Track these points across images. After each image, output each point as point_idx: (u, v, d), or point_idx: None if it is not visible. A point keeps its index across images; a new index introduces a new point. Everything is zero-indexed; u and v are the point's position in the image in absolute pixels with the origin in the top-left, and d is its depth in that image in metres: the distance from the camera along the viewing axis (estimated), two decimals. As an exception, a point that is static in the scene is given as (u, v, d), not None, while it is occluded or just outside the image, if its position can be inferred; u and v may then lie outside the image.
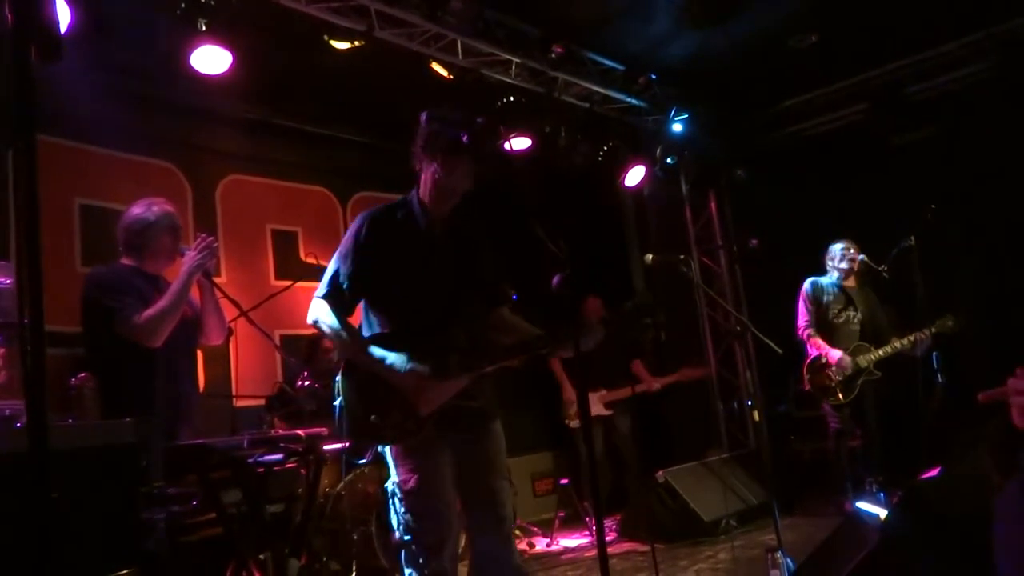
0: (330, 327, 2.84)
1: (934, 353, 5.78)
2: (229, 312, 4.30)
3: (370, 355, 2.78)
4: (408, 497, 2.73)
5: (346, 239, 2.89)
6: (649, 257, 5.31)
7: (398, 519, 2.77)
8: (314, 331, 5.89)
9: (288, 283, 5.69)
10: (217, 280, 6.25)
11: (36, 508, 1.32)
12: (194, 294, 3.78)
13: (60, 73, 4.37)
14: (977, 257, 6.86)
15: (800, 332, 6.02)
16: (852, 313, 6.03)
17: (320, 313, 2.86)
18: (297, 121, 6.83)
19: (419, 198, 2.93)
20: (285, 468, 3.72)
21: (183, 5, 4.68)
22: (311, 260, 5.28)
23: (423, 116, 2.83)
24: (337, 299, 2.86)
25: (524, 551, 6.08)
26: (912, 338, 5.79)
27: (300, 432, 3.64)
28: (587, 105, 7.02)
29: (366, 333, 2.90)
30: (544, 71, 6.42)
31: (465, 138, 2.74)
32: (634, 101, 7.30)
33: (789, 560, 3.92)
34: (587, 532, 6.34)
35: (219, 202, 6.48)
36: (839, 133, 7.73)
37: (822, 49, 6.79)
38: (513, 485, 3.24)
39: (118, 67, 5.42)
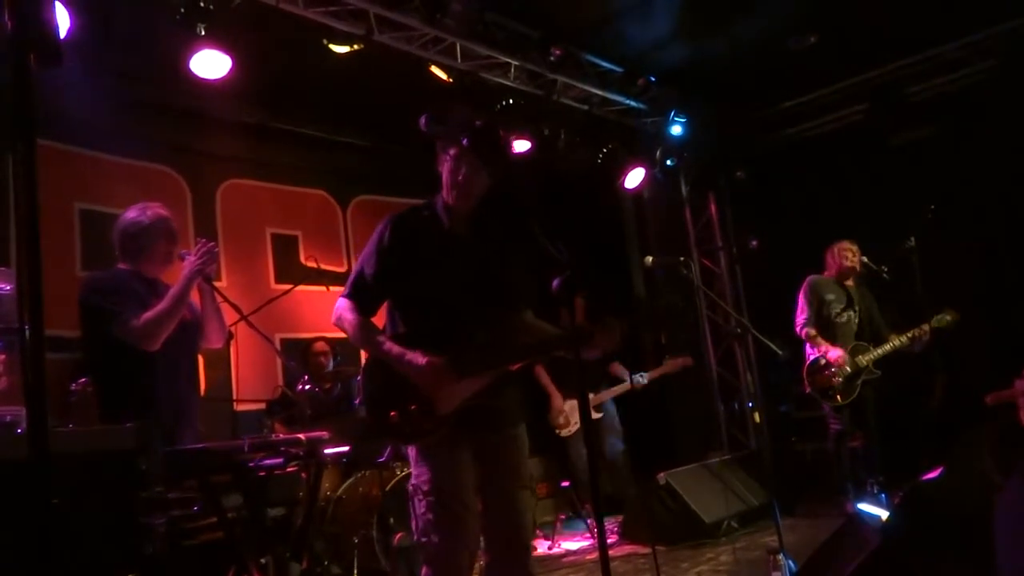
0: (353, 327, 2.85)
1: (935, 353, 5.79)
2: (229, 316, 4.30)
3: (390, 352, 2.78)
4: (428, 497, 2.72)
5: (371, 240, 2.91)
6: (649, 259, 5.31)
7: (417, 520, 2.76)
8: (313, 335, 5.94)
9: (288, 287, 5.69)
10: (217, 284, 6.26)
11: (37, 513, 1.32)
12: (194, 298, 3.78)
13: (60, 78, 4.39)
14: (977, 257, 6.86)
15: (798, 329, 6.01)
16: (852, 313, 6.03)
17: (344, 313, 2.87)
18: (296, 125, 6.83)
19: (442, 199, 2.94)
20: (286, 472, 3.71)
21: (182, 10, 4.69)
22: (311, 263, 5.30)
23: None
24: (361, 299, 2.88)
25: (532, 556, 6.07)
26: (911, 334, 5.79)
27: (301, 436, 3.63)
28: (586, 107, 7.03)
29: (390, 333, 2.91)
30: (543, 73, 6.43)
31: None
32: (633, 103, 7.30)
33: (791, 562, 3.92)
34: (588, 535, 6.33)
35: (219, 206, 6.49)
36: (839, 134, 7.73)
37: (821, 50, 6.79)
38: (535, 494, 3.24)
39: (118, 72, 5.43)
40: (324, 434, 3.75)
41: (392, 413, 2.77)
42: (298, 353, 5.81)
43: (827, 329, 5.97)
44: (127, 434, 2.55)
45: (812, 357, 5.96)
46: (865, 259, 6.05)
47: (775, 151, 7.96)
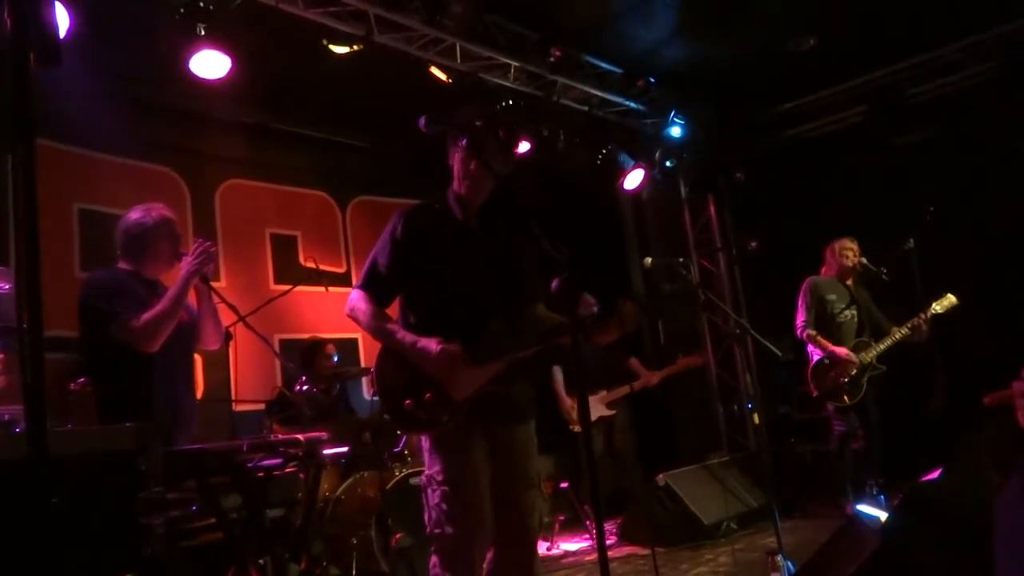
0: (365, 315, 2.86)
1: (935, 354, 5.79)
2: (228, 317, 4.30)
3: (403, 340, 2.79)
4: (441, 488, 2.72)
5: (384, 235, 2.92)
6: (648, 260, 5.31)
7: (430, 511, 2.76)
8: (313, 335, 5.93)
9: (287, 287, 5.68)
10: (216, 284, 6.27)
11: (35, 513, 1.32)
12: (191, 299, 3.77)
13: (59, 78, 4.38)
14: (976, 259, 6.86)
15: (799, 332, 5.99)
16: (853, 311, 6.03)
17: (358, 303, 2.88)
18: (296, 125, 6.84)
19: (454, 193, 2.95)
20: (285, 473, 3.71)
21: (182, 10, 4.69)
22: (310, 264, 5.30)
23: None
24: (375, 290, 2.89)
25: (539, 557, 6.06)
26: (911, 324, 5.79)
27: (299, 436, 3.63)
28: (586, 108, 7.03)
29: (403, 325, 2.91)
30: (543, 75, 6.43)
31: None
32: (633, 104, 7.30)
33: (790, 563, 3.92)
34: (587, 536, 6.33)
35: (218, 206, 6.49)
36: (838, 135, 7.74)
37: (821, 51, 6.80)
38: (543, 492, 3.24)
39: (117, 72, 5.43)
40: (323, 435, 3.75)
41: (407, 402, 2.77)
42: (304, 353, 5.81)
43: (829, 329, 5.96)
44: (126, 434, 2.54)
45: (816, 358, 5.95)
46: (864, 260, 6.04)
47: (774, 152, 7.96)
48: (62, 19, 4.06)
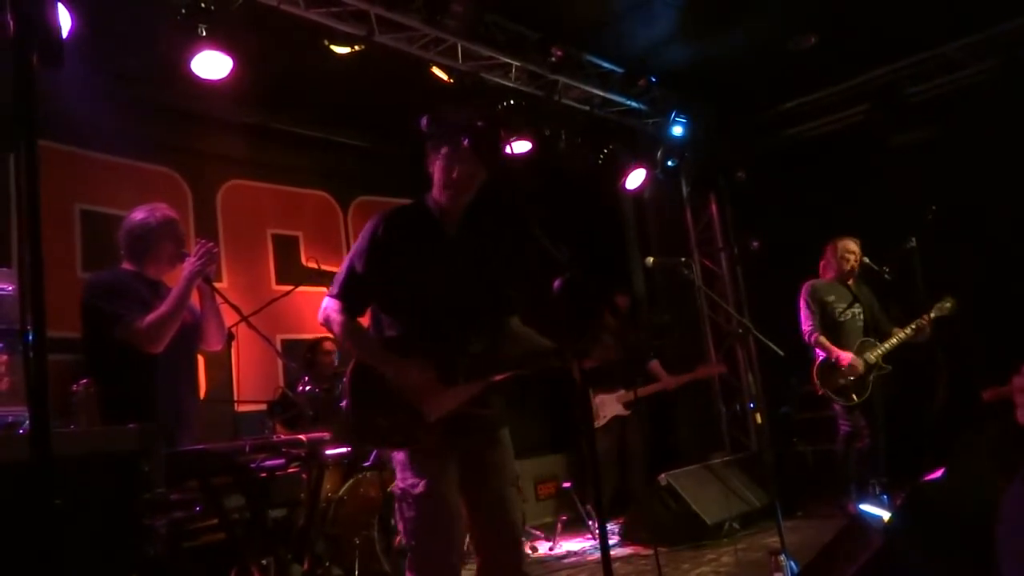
0: (340, 327, 2.82)
1: (938, 353, 5.79)
2: (230, 317, 4.29)
3: (379, 357, 2.77)
4: (415, 502, 2.70)
5: (360, 239, 2.87)
6: (650, 260, 5.31)
7: (404, 524, 2.74)
8: (315, 335, 5.93)
9: (289, 287, 5.68)
10: (218, 285, 6.26)
11: (39, 514, 1.32)
12: (194, 300, 3.77)
13: (61, 78, 4.38)
14: (978, 258, 6.85)
15: (807, 337, 5.98)
16: (856, 310, 6.03)
17: (332, 314, 2.83)
18: (297, 126, 6.84)
19: (433, 199, 2.91)
20: (287, 473, 3.71)
21: (184, 10, 4.69)
22: (312, 264, 5.28)
23: (423, 120, 2.83)
24: (349, 299, 2.84)
25: (526, 555, 6.07)
26: (914, 326, 5.80)
27: (302, 437, 3.63)
28: (587, 108, 7.03)
29: (377, 337, 2.89)
30: (544, 74, 6.43)
31: (466, 141, 2.73)
32: (634, 104, 7.30)
33: (792, 563, 3.91)
34: (590, 536, 6.33)
35: (220, 207, 6.49)
36: (839, 135, 7.73)
37: (822, 51, 6.79)
38: (521, 491, 3.23)
39: (119, 72, 5.43)
40: (325, 435, 3.75)
41: (380, 419, 2.76)
42: (304, 352, 5.80)
43: (833, 330, 5.96)
44: (129, 435, 2.55)
45: (822, 357, 5.95)
46: (866, 259, 6.04)
47: (775, 152, 7.96)
48: (64, 20, 4.06)
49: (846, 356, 5.81)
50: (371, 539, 4.62)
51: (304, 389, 5.19)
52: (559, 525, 6.49)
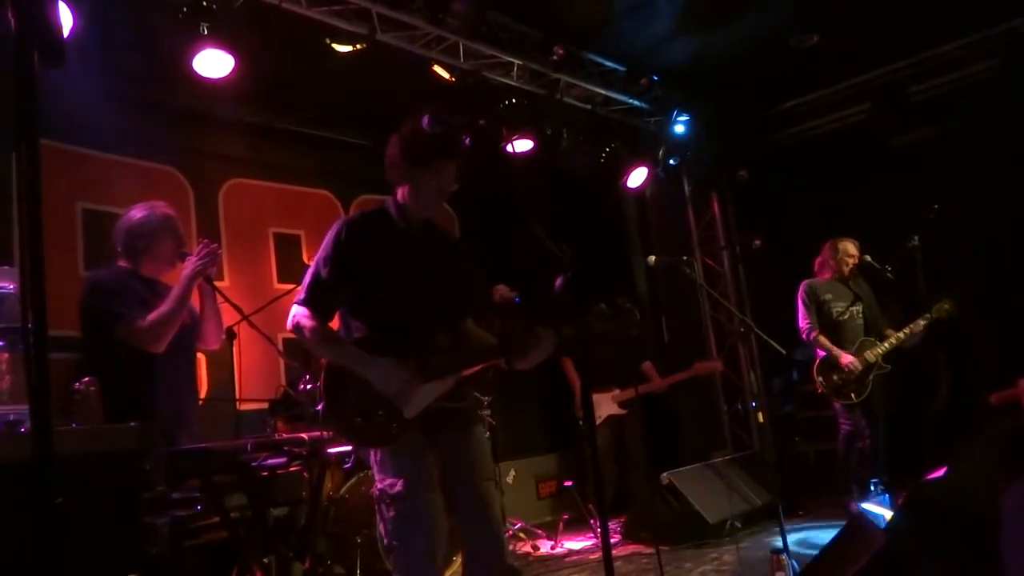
0: (312, 333, 2.82)
1: (939, 353, 5.79)
2: (232, 316, 4.29)
3: (354, 359, 2.78)
4: (396, 502, 2.71)
5: (325, 245, 2.89)
6: (652, 258, 5.30)
7: (385, 525, 2.75)
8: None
9: (291, 286, 5.67)
10: (219, 284, 6.24)
11: (40, 513, 1.32)
12: (194, 299, 3.76)
13: (63, 77, 4.38)
14: (980, 257, 6.85)
15: (805, 335, 6.00)
16: (856, 308, 6.03)
17: (302, 320, 2.84)
18: (299, 124, 6.83)
19: (397, 204, 2.95)
20: (289, 472, 3.71)
21: (185, 9, 4.69)
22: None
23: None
24: (317, 305, 2.85)
25: (528, 554, 6.07)
26: (907, 330, 5.81)
27: (304, 435, 3.64)
28: (589, 107, 7.03)
29: (347, 340, 2.90)
30: (546, 73, 6.43)
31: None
32: (636, 102, 7.30)
33: (794, 562, 3.91)
34: (591, 534, 6.33)
35: (221, 206, 6.49)
36: (841, 134, 7.73)
37: (823, 50, 6.79)
38: (499, 485, 3.25)
39: (120, 71, 5.42)
40: (327, 433, 3.75)
41: (357, 419, 2.76)
42: (304, 351, 5.80)
43: (832, 329, 5.96)
44: (131, 434, 2.55)
45: (822, 356, 5.95)
46: (868, 258, 6.04)
47: (777, 151, 7.96)
48: (66, 19, 4.06)
49: (845, 356, 5.82)
50: (373, 538, 4.61)
51: (305, 388, 5.18)
52: (561, 524, 6.49)
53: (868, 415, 5.91)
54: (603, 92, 6.96)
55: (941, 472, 3.14)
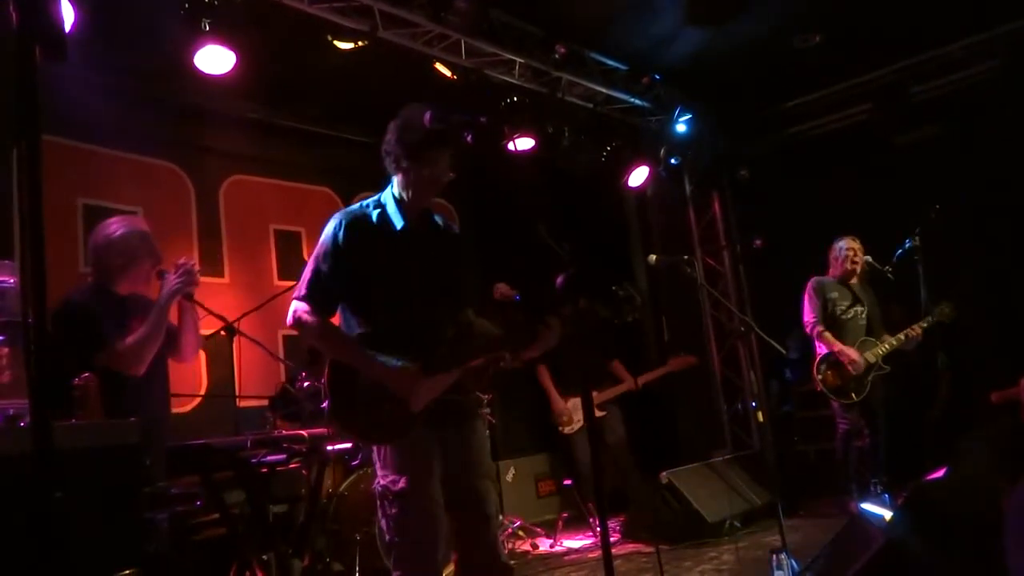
0: (312, 328, 2.81)
1: (940, 353, 5.79)
2: (232, 313, 4.29)
3: (357, 354, 2.77)
4: (398, 498, 2.70)
5: (323, 240, 2.87)
6: (652, 257, 5.30)
7: (387, 521, 2.74)
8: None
9: (291, 283, 5.64)
10: (220, 280, 6.30)
11: (40, 507, 1.32)
12: (172, 313, 3.68)
13: (64, 73, 4.39)
14: (981, 257, 6.84)
15: (808, 329, 6.01)
16: (859, 309, 6.03)
17: (303, 315, 2.82)
18: (300, 121, 6.83)
19: (394, 196, 2.94)
20: (288, 468, 3.71)
21: (187, 5, 4.68)
22: (314, 260, 5.29)
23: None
24: (318, 300, 2.83)
25: (528, 552, 6.08)
26: (903, 334, 5.81)
27: (303, 432, 3.64)
28: (591, 105, 7.02)
29: (348, 335, 2.89)
30: (547, 71, 6.42)
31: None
32: (638, 101, 7.29)
33: (794, 561, 3.91)
34: (591, 533, 6.33)
35: (222, 202, 6.49)
36: (843, 133, 7.72)
37: (826, 49, 6.78)
38: (496, 485, 3.24)
39: (122, 67, 5.42)
40: (326, 430, 3.75)
41: (363, 416, 2.76)
42: (310, 349, 5.80)
43: (834, 327, 5.97)
44: (130, 429, 2.55)
45: (823, 353, 5.95)
46: (869, 258, 6.04)
47: (779, 150, 7.95)
48: (67, 14, 4.05)
49: (849, 351, 5.82)
50: (372, 535, 4.62)
51: (302, 385, 5.18)
52: (560, 522, 6.50)
53: (867, 415, 5.91)
54: (604, 91, 6.95)
55: (941, 472, 3.14)
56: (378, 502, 2.79)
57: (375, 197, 3.01)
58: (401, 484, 2.70)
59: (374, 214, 2.94)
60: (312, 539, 4.17)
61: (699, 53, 6.73)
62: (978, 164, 6.73)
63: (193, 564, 3.41)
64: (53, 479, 1.33)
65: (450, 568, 4.61)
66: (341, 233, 2.84)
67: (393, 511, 2.71)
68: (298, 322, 2.84)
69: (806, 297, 6.08)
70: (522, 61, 6.22)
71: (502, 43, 6.02)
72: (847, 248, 6.07)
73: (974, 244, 6.81)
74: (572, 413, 6.38)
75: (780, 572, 3.90)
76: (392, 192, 2.96)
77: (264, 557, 3.50)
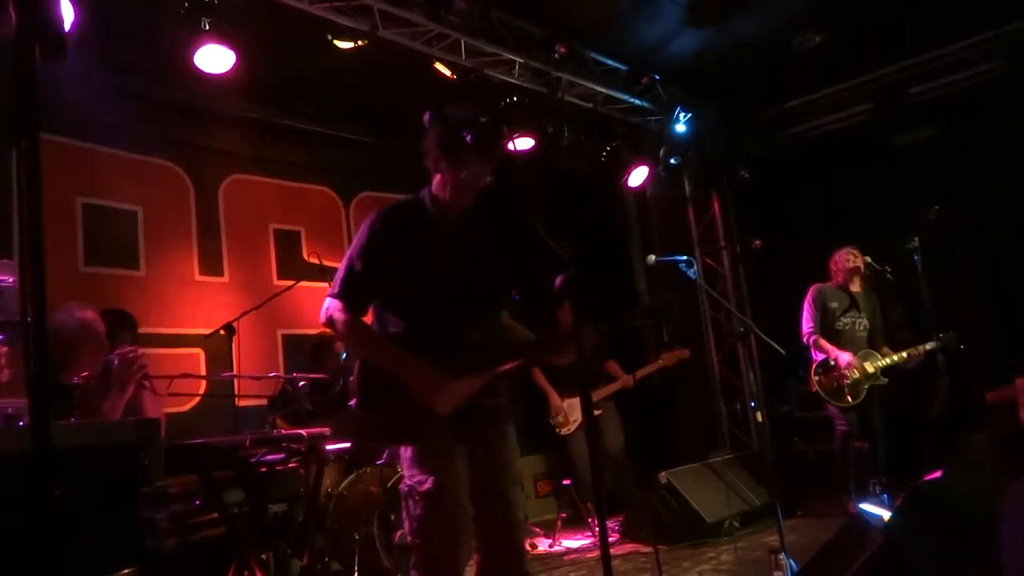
0: (344, 326, 2.78)
1: (939, 354, 5.79)
2: (232, 311, 4.27)
3: (387, 354, 2.75)
4: (424, 499, 2.66)
5: (359, 237, 2.84)
6: (652, 258, 5.30)
7: (410, 522, 2.71)
8: (318, 331, 5.94)
9: (291, 283, 5.68)
10: (219, 280, 6.31)
11: (38, 507, 1.31)
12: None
13: (64, 72, 4.39)
14: (981, 257, 6.85)
15: (805, 338, 6.01)
16: (858, 319, 6.02)
17: (335, 313, 2.79)
18: (300, 121, 6.84)
19: (432, 196, 2.89)
20: (287, 468, 3.71)
21: (186, 4, 4.69)
22: (314, 260, 5.30)
23: (426, 116, 2.82)
24: (351, 298, 2.80)
25: (526, 552, 6.07)
26: (906, 353, 5.80)
27: (302, 432, 3.63)
28: (590, 105, 7.02)
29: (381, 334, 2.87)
30: (547, 71, 6.42)
31: (468, 138, 2.71)
32: (637, 101, 7.29)
33: (792, 561, 3.91)
34: (589, 533, 6.33)
35: (222, 202, 6.50)
36: (842, 134, 7.73)
37: (826, 50, 6.79)
38: (524, 488, 3.20)
39: (121, 66, 5.43)
40: (325, 430, 3.75)
41: (390, 416, 2.74)
42: (310, 350, 5.81)
43: (832, 336, 5.96)
44: (129, 428, 2.55)
45: (818, 360, 5.95)
46: (869, 259, 6.04)
47: (779, 150, 7.96)
48: (67, 13, 4.05)
49: (844, 357, 5.82)
50: (371, 534, 4.62)
51: (305, 384, 5.19)
52: (559, 522, 6.50)
53: (864, 419, 5.90)
54: (604, 91, 6.96)
55: (939, 472, 3.14)
56: (403, 502, 2.75)
57: (412, 196, 2.95)
58: (427, 485, 2.66)
59: (410, 213, 2.89)
60: (311, 538, 4.17)
61: (699, 53, 6.74)
62: (978, 164, 6.74)
63: (192, 563, 3.41)
64: (51, 478, 1.33)
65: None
66: (377, 230, 2.81)
67: (417, 512, 2.68)
68: (329, 320, 2.81)
69: (806, 305, 6.07)
70: (522, 61, 6.22)
71: (502, 43, 6.03)
72: (848, 254, 6.06)
73: (975, 244, 6.82)
74: (569, 413, 6.37)
75: (779, 572, 3.91)
76: (430, 192, 2.91)
77: (263, 556, 3.50)
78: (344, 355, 5.75)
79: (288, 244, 6.84)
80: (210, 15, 4.73)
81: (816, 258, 6.30)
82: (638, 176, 7.51)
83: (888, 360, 5.84)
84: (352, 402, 2.85)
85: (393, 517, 4.62)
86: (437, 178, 2.88)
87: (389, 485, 4.71)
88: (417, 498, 2.68)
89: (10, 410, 2.78)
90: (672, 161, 7.68)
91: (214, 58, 4.90)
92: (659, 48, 6.67)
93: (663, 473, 6.05)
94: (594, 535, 6.24)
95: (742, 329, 7.33)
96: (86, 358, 3.45)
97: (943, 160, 6.90)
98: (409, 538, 2.74)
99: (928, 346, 5.78)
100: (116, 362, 3.28)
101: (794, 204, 7.51)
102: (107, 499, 2.37)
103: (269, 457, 3.52)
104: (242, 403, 5.50)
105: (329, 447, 3.91)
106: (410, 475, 2.74)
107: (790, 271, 6.57)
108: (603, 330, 2.79)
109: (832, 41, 6.68)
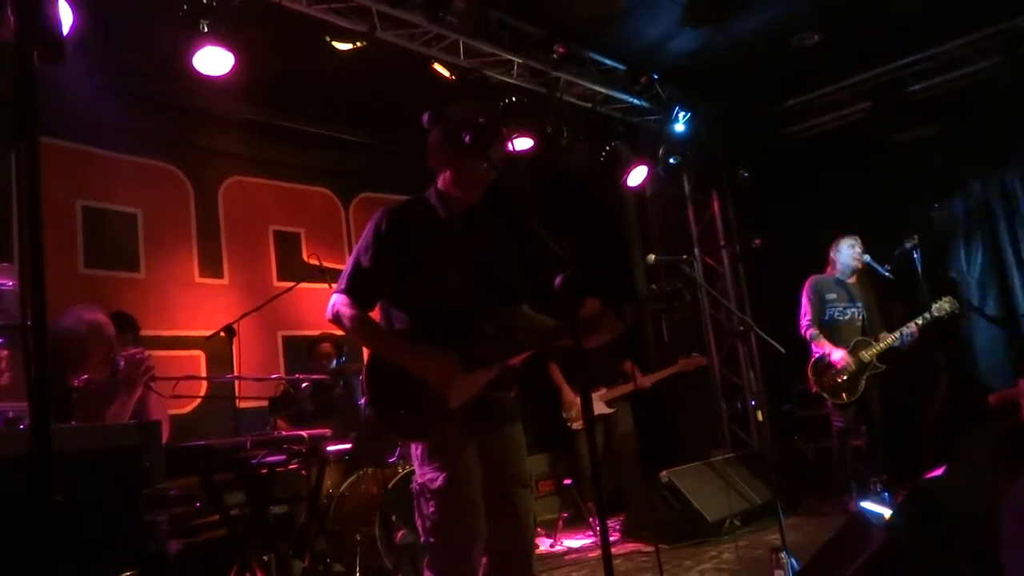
0: (352, 321, 2.77)
1: (939, 353, 5.79)
2: (231, 314, 4.27)
3: (396, 348, 2.74)
4: (436, 497, 2.65)
5: (366, 234, 2.84)
6: (651, 257, 5.30)
7: (423, 521, 2.70)
8: (316, 332, 5.94)
9: (291, 284, 5.68)
10: (219, 282, 6.31)
11: (39, 510, 1.32)
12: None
13: (62, 75, 4.39)
14: (979, 256, 6.85)
15: (803, 331, 6.01)
16: (855, 309, 6.03)
17: (342, 309, 2.79)
18: (299, 122, 6.84)
19: (439, 193, 2.89)
20: (288, 469, 3.71)
21: (185, 6, 4.69)
22: (313, 261, 5.29)
23: (426, 116, 2.81)
24: (357, 294, 2.80)
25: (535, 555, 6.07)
26: (899, 333, 5.80)
27: (303, 433, 3.63)
28: (589, 105, 7.02)
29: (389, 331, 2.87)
30: (546, 71, 6.42)
31: (468, 138, 2.71)
32: (636, 101, 7.29)
33: (793, 560, 3.91)
34: (591, 533, 6.33)
35: (221, 203, 6.50)
36: (842, 132, 7.73)
37: (825, 48, 6.79)
38: (534, 490, 3.18)
39: (120, 68, 5.43)
40: (326, 431, 3.75)
41: (402, 411, 2.73)
42: (302, 350, 5.81)
43: (829, 328, 5.97)
44: (130, 431, 2.55)
45: (817, 355, 5.95)
46: (868, 257, 6.03)
47: (778, 149, 7.96)
48: (65, 16, 4.05)
49: (837, 354, 5.82)
50: (372, 535, 4.62)
51: (306, 385, 5.19)
52: (560, 522, 6.50)
53: (863, 415, 5.90)
54: (603, 91, 6.95)
55: (941, 471, 3.15)
56: (415, 500, 2.73)
57: (419, 196, 2.95)
58: (439, 482, 2.65)
59: (418, 209, 2.89)
60: (312, 540, 4.17)
61: (698, 53, 6.74)
62: (977, 162, 6.74)
63: (193, 565, 3.41)
64: (52, 481, 1.33)
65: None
66: (384, 227, 2.80)
67: (430, 510, 2.66)
68: (336, 316, 2.80)
69: (803, 297, 6.07)
70: (520, 61, 6.22)
71: (500, 43, 6.02)
72: (848, 246, 6.06)
73: (973, 244, 6.82)
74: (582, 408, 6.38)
75: (780, 571, 3.91)
76: (436, 190, 2.91)
77: (264, 558, 3.50)
78: (341, 358, 5.76)
79: (288, 246, 6.84)
80: (209, 17, 4.73)
81: (816, 256, 6.30)
82: (637, 176, 7.51)
83: (883, 344, 5.83)
84: (362, 400, 2.85)
85: (394, 518, 4.61)
86: (444, 176, 2.88)
87: (390, 486, 4.71)
88: (429, 496, 2.67)
89: (10, 413, 2.78)
90: (671, 160, 7.68)
91: (213, 60, 4.90)
92: (658, 48, 6.66)
93: (664, 472, 6.06)
94: (595, 535, 6.24)
95: (742, 328, 7.33)
96: (96, 360, 3.45)
97: (942, 158, 6.90)
98: (422, 537, 2.72)
99: (920, 321, 5.74)
100: (123, 364, 3.27)
101: (794, 203, 7.51)
102: (108, 502, 2.37)
103: (270, 459, 3.52)
104: (243, 405, 5.50)
105: (330, 448, 3.91)
106: (421, 473, 2.72)
107: (790, 270, 6.57)
108: (626, 315, 2.77)
109: (830, 40, 6.68)
